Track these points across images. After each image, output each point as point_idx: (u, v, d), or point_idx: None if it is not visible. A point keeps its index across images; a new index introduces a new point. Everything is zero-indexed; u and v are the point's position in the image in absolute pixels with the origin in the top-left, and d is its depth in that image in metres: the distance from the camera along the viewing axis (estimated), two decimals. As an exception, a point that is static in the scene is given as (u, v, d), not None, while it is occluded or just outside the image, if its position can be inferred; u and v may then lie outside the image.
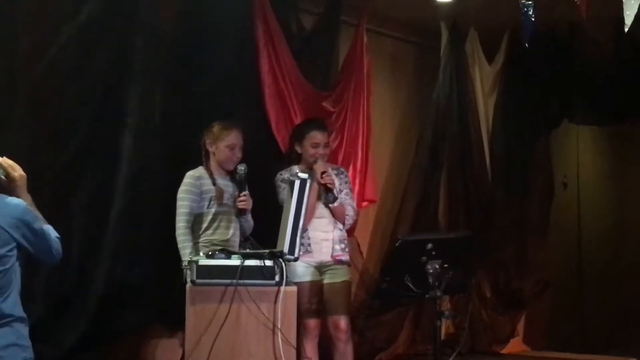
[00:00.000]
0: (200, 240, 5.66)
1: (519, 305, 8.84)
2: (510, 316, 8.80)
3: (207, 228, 5.69)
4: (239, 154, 5.81)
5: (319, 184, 6.09)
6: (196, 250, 5.52)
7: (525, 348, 9.28)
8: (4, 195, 3.96)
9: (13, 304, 3.91)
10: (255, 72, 6.71)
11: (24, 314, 3.96)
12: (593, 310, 9.44)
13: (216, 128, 5.82)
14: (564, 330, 9.46)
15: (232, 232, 5.75)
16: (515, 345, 9.03)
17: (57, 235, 3.98)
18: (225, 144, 5.78)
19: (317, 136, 6.22)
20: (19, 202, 3.93)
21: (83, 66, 5.74)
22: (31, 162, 5.32)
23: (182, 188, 5.68)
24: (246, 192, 5.74)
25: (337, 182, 6.21)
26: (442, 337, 5.36)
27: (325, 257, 6.14)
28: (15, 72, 5.38)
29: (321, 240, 6.14)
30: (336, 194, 6.15)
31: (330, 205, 6.17)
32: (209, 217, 5.70)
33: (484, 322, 8.60)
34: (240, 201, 5.73)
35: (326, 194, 6.13)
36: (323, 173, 6.09)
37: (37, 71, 5.53)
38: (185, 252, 5.48)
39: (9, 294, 3.89)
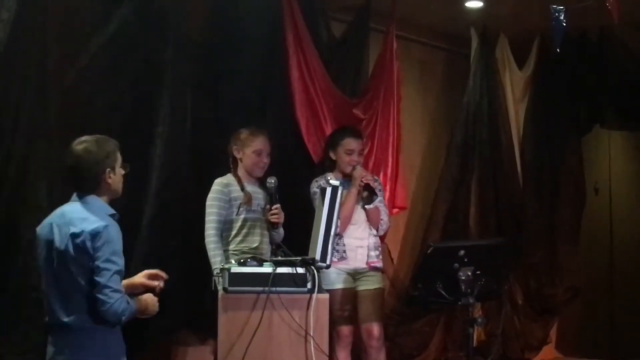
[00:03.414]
0: (230, 247, 5.67)
1: (551, 311, 8.78)
2: (543, 323, 8.74)
3: (237, 235, 5.70)
4: (265, 160, 5.81)
5: (361, 187, 6.10)
6: (226, 258, 5.52)
7: (557, 355, 9.23)
8: (94, 208, 4.05)
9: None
10: (285, 80, 6.72)
11: None
12: (625, 317, 9.35)
13: (243, 134, 5.83)
14: (597, 336, 9.39)
15: (261, 240, 5.75)
16: (547, 352, 8.97)
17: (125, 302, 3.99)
18: (251, 149, 5.78)
19: (351, 143, 6.24)
20: (94, 222, 3.98)
21: (113, 75, 5.77)
22: (62, 172, 5.38)
23: (210, 195, 5.69)
24: (278, 205, 5.73)
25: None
26: (474, 344, 5.31)
27: (361, 263, 6.14)
28: (46, 82, 5.40)
29: (356, 247, 6.15)
30: (375, 197, 6.16)
31: (366, 206, 6.17)
32: (238, 224, 5.70)
33: (515, 328, 8.55)
34: (273, 214, 5.73)
35: (370, 196, 6.13)
36: (363, 178, 6.11)
37: (68, 81, 5.57)
38: (216, 260, 5.48)
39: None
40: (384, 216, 6.34)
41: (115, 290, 3.91)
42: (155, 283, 4.32)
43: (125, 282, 4.19)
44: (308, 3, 6.93)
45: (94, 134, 5.53)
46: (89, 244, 3.91)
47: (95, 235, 3.93)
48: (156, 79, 5.96)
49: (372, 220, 6.25)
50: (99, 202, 4.12)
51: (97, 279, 3.90)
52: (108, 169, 4.12)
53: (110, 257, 3.93)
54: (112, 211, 4.16)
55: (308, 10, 6.89)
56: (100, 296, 3.90)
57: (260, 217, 5.78)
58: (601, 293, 9.54)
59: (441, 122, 8.64)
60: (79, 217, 4.01)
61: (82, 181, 4.12)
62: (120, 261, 3.96)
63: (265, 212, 5.77)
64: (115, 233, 3.98)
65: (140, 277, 4.33)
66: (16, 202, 5.18)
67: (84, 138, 4.17)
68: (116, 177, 4.17)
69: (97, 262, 3.91)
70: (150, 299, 4.21)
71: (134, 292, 4.26)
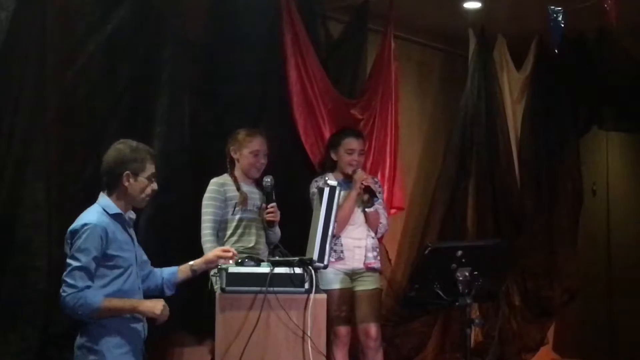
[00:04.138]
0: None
1: (548, 313, 8.78)
2: (540, 324, 8.72)
3: (232, 235, 5.71)
4: (262, 160, 5.82)
5: (361, 189, 6.09)
6: (221, 258, 5.53)
7: (554, 356, 9.22)
8: (93, 208, 4.14)
9: None
10: (283, 81, 6.71)
11: None
12: (623, 318, 9.35)
13: (240, 135, 5.84)
14: (594, 338, 9.39)
15: (257, 240, 5.76)
16: (544, 353, 8.96)
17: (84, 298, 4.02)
18: (249, 150, 5.79)
19: (352, 143, 6.24)
20: (81, 220, 4.06)
21: (111, 76, 5.76)
22: (60, 171, 5.38)
23: (206, 195, 5.70)
24: (274, 204, 5.74)
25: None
26: (471, 345, 5.31)
27: (358, 264, 6.14)
28: (44, 82, 5.40)
29: (354, 248, 6.15)
30: (376, 199, 6.15)
31: (367, 209, 6.17)
32: (234, 224, 5.71)
33: (513, 330, 8.53)
34: (268, 213, 5.73)
35: (370, 199, 6.12)
36: (363, 181, 6.11)
37: (65, 81, 5.56)
38: (211, 259, 5.48)
39: None
40: (383, 219, 6.34)
41: (70, 285, 3.97)
42: (229, 254, 4.62)
43: (200, 260, 4.58)
44: (306, 3, 6.93)
45: (92, 134, 5.58)
46: (69, 241, 4.06)
47: (73, 233, 4.05)
48: (154, 79, 5.96)
49: (372, 223, 6.25)
50: (106, 201, 4.18)
51: (64, 273, 3.99)
52: (127, 172, 4.15)
53: (75, 253, 4.01)
54: (118, 210, 4.18)
55: (306, 11, 6.88)
56: (60, 289, 4.00)
57: (256, 217, 5.79)
58: (599, 294, 9.53)
59: (439, 123, 8.64)
60: (80, 216, 4.12)
61: (105, 177, 4.22)
62: (84, 259, 3.99)
63: (262, 211, 5.77)
64: (92, 232, 4.03)
65: (216, 250, 4.67)
66: (14, 202, 5.18)
67: (125, 140, 4.29)
68: (136, 184, 4.19)
69: (67, 258, 4.00)
70: (151, 303, 4.29)
71: (210, 267, 4.67)
